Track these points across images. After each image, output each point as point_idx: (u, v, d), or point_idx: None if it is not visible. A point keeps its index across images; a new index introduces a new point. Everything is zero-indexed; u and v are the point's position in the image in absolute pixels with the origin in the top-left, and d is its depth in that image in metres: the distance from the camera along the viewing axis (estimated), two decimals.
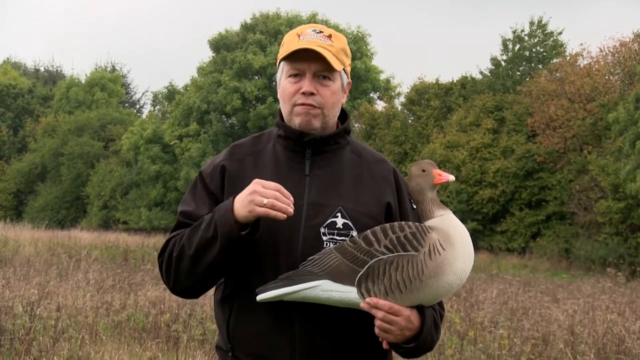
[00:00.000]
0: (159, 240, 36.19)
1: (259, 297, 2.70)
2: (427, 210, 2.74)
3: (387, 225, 2.69)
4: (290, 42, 2.89)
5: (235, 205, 2.68)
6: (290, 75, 2.89)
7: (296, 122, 2.87)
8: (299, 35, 2.89)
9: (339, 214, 2.80)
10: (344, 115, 3.03)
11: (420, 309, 2.69)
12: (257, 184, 2.66)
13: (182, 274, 2.83)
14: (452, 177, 2.76)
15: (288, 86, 2.89)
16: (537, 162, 36.37)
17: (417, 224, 2.70)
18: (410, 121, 44.20)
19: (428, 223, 2.71)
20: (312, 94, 2.84)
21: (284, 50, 2.89)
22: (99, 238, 33.22)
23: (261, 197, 2.62)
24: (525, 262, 32.39)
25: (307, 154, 2.89)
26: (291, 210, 2.63)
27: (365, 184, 2.90)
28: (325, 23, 50.45)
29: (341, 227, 2.79)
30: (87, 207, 55.58)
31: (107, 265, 18.38)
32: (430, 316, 2.74)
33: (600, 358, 8.91)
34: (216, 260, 2.72)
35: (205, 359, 8.16)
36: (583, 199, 33.44)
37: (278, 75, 2.97)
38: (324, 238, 2.77)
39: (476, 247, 36.82)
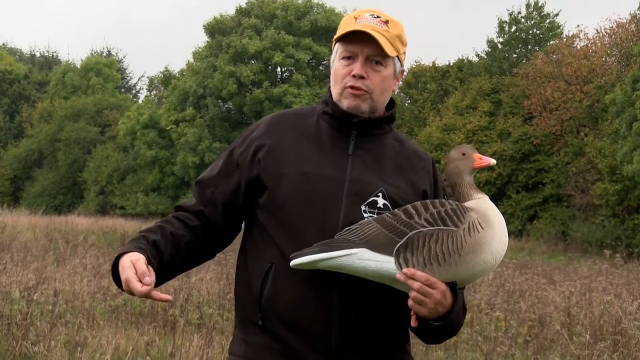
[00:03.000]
0: None
1: (293, 262, 2.67)
2: (464, 192, 2.76)
3: (428, 200, 2.71)
4: (346, 24, 2.88)
5: (119, 264, 2.78)
6: (343, 57, 2.88)
7: (344, 104, 2.86)
8: (356, 18, 2.88)
9: (380, 194, 2.81)
10: (391, 103, 3.02)
11: (453, 288, 2.68)
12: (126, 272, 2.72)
13: None
14: (493, 161, 2.78)
15: (340, 68, 2.88)
16: (534, 144, 36.38)
17: (456, 202, 2.71)
18: (407, 104, 44.20)
19: (466, 204, 2.72)
20: (362, 77, 2.83)
21: (339, 31, 2.89)
22: (96, 223, 33.23)
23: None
24: (522, 244, 32.44)
25: (352, 134, 2.88)
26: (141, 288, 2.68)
27: (405, 170, 2.91)
28: (321, 7, 50.36)
29: (382, 206, 2.78)
30: (84, 193, 55.58)
31: (104, 251, 18.38)
32: (462, 297, 2.76)
33: (596, 339, 8.93)
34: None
35: (202, 343, 8.17)
36: (580, 182, 33.48)
37: (332, 56, 2.96)
38: (365, 215, 2.76)
39: None
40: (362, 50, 2.84)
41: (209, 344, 8.15)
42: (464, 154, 2.79)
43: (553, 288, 13.87)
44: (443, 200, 2.72)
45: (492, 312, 10.65)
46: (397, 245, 2.63)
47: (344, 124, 2.88)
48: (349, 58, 2.87)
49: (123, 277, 2.69)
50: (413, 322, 2.72)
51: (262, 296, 2.80)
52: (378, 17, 2.88)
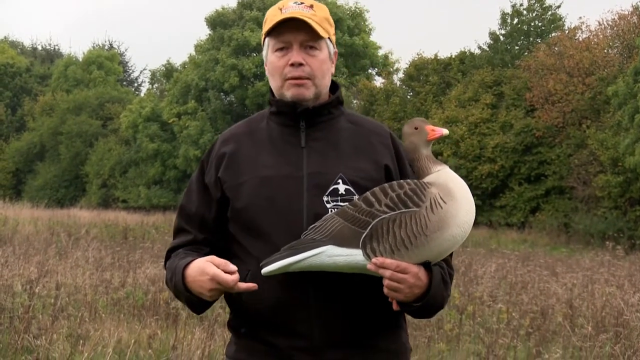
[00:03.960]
0: (158, 218, 36.28)
1: (264, 270, 2.68)
2: (423, 167, 2.73)
3: (386, 184, 2.67)
4: (273, 17, 2.87)
5: (186, 279, 2.78)
6: (276, 50, 2.87)
7: (288, 95, 2.86)
8: (280, 9, 2.87)
9: (340, 181, 2.79)
10: (334, 87, 3.01)
11: (427, 265, 2.67)
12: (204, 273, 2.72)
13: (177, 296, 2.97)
14: (445, 131, 2.76)
15: (275, 60, 2.87)
16: (536, 136, 36.33)
17: (415, 180, 2.68)
18: (409, 97, 44.13)
19: (426, 179, 2.69)
20: (300, 64, 2.82)
21: (267, 25, 2.88)
22: (99, 216, 33.28)
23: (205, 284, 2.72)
24: (524, 236, 32.44)
25: (301, 126, 2.88)
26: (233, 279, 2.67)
27: (363, 150, 2.88)
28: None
29: (344, 192, 2.77)
30: (86, 186, 55.57)
31: (107, 244, 18.40)
32: (438, 272, 2.73)
33: (598, 331, 8.93)
34: (192, 306, 2.89)
35: (205, 336, 8.18)
36: (582, 173, 33.44)
37: (264, 52, 2.95)
38: (328, 205, 2.76)
39: (475, 222, 36.57)
40: (295, 38, 2.83)
41: (211, 336, 8.17)
42: (416, 128, 2.77)
43: (555, 280, 13.87)
44: (401, 181, 2.68)
45: (494, 304, 10.65)
46: (362, 237, 2.61)
47: (290, 118, 2.88)
48: (282, 49, 2.86)
49: (208, 276, 2.69)
50: (395, 307, 2.71)
51: (243, 303, 2.83)
52: (302, 2, 2.88)
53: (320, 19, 2.86)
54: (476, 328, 9.40)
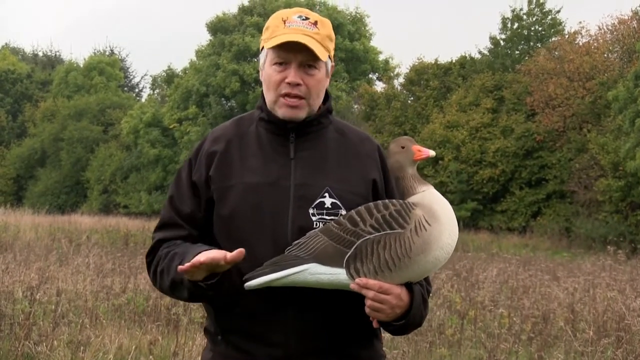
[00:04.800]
0: None
1: (247, 285, 2.68)
2: (408, 186, 2.73)
3: (372, 204, 2.67)
4: (275, 28, 2.84)
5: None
6: (274, 64, 2.85)
7: (280, 113, 2.84)
8: (284, 21, 2.85)
9: (326, 194, 2.79)
10: (326, 95, 2.98)
11: (408, 285, 2.68)
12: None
13: (167, 293, 2.92)
14: (432, 153, 2.75)
15: (273, 74, 2.85)
16: (537, 141, 36.33)
17: (400, 201, 2.68)
18: (409, 102, 44.13)
19: (411, 199, 2.69)
20: (297, 84, 2.81)
21: (268, 37, 2.85)
22: (100, 222, 33.24)
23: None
24: (525, 241, 32.40)
25: (290, 137, 2.86)
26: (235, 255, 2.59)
27: (350, 162, 2.88)
28: (323, 4, 50.32)
29: (330, 206, 2.77)
30: (87, 192, 55.58)
31: (108, 250, 18.39)
32: (419, 292, 2.74)
33: (600, 335, 8.92)
34: (190, 297, 2.79)
35: (205, 342, 8.17)
36: (583, 178, 33.42)
37: (262, 59, 2.92)
38: (314, 218, 2.75)
39: (476, 227, 37.02)
40: (295, 57, 2.81)
41: (206, 342, 8.14)
42: (403, 147, 2.76)
43: (557, 284, 13.85)
44: (387, 201, 2.68)
45: (495, 309, 10.65)
46: (347, 256, 2.62)
47: (280, 128, 2.86)
48: (281, 64, 2.83)
49: (202, 258, 2.59)
50: (375, 325, 2.73)
51: (219, 309, 2.84)
52: (307, 18, 2.85)
53: (322, 38, 2.83)
54: (478, 333, 9.40)
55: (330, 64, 2.92)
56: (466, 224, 34.88)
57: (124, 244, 21.96)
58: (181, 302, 10.08)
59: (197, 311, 9.80)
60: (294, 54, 2.80)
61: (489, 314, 10.50)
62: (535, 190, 36.41)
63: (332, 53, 2.93)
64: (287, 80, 2.80)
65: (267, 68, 2.88)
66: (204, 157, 2.90)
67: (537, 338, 9.10)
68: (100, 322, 9.18)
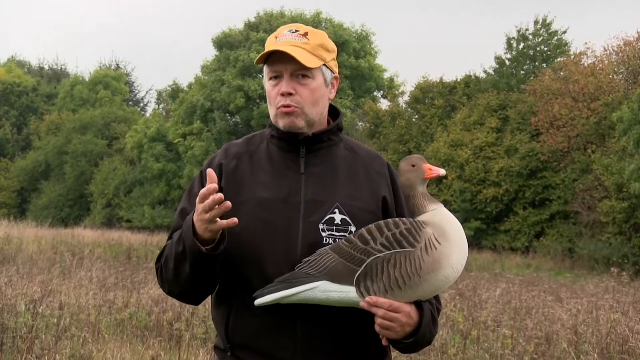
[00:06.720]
0: (163, 238, 36.18)
1: (257, 302, 2.70)
2: (419, 205, 2.75)
3: (382, 222, 2.69)
4: (268, 45, 2.90)
5: (195, 223, 2.67)
6: (271, 78, 2.91)
7: (280, 124, 2.88)
8: (276, 38, 2.91)
9: (336, 210, 2.81)
10: (336, 112, 3.03)
11: (418, 304, 2.70)
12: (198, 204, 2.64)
13: (172, 283, 2.87)
14: (443, 172, 2.77)
15: (270, 89, 2.91)
16: (541, 161, 36.32)
17: (411, 220, 2.70)
18: (414, 120, 44.17)
19: (421, 218, 2.71)
20: (290, 94, 2.84)
21: (260, 55, 2.91)
22: (103, 236, 33.25)
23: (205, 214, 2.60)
24: (529, 261, 32.34)
25: (301, 152, 2.89)
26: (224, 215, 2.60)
27: (361, 179, 2.91)
28: (330, 22, 50.44)
29: (340, 223, 2.79)
30: (90, 206, 55.60)
31: (111, 264, 18.38)
32: (429, 310, 2.76)
33: (604, 358, 8.88)
34: (193, 273, 2.75)
35: (208, 358, 8.15)
36: (587, 199, 33.38)
37: (264, 79, 2.98)
38: (324, 234, 2.77)
39: (480, 247, 36.95)
40: (285, 68, 2.85)
41: (214, 359, 8.12)
42: (413, 166, 2.78)
43: (560, 305, 13.81)
44: (397, 220, 2.69)
45: (498, 330, 10.61)
46: (357, 274, 2.63)
47: (291, 144, 2.89)
48: (276, 78, 2.88)
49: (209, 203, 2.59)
50: (384, 342, 2.74)
51: (229, 325, 2.85)
52: (297, 31, 2.90)
53: (313, 47, 2.86)
54: (481, 353, 9.36)
55: (330, 73, 2.95)
56: (469, 243, 34.69)
57: (127, 258, 21.94)
58: (183, 318, 10.07)
59: (200, 327, 9.79)
60: (284, 65, 2.84)
61: (492, 334, 10.45)
62: (539, 211, 36.38)
63: (332, 63, 2.96)
64: (280, 92, 2.85)
65: (266, 85, 2.95)
66: (216, 169, 2.91)
67: (541, 359, 9.06)
68: (103, 337, 9.18)
